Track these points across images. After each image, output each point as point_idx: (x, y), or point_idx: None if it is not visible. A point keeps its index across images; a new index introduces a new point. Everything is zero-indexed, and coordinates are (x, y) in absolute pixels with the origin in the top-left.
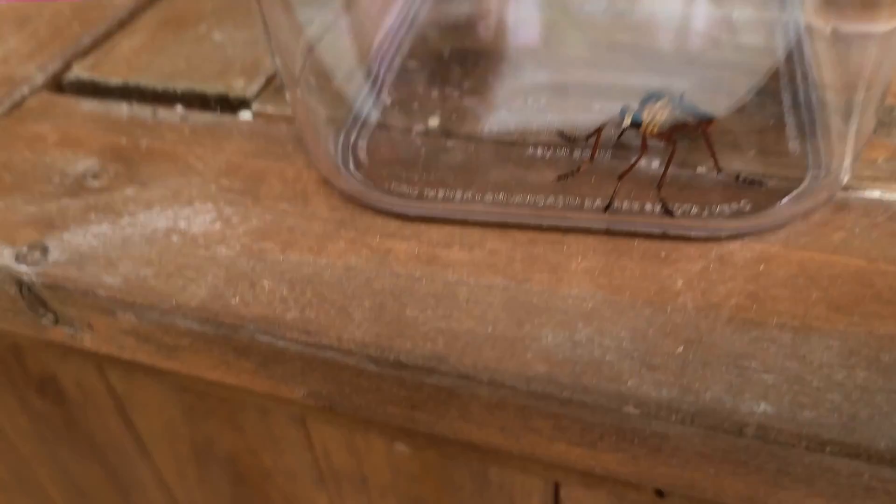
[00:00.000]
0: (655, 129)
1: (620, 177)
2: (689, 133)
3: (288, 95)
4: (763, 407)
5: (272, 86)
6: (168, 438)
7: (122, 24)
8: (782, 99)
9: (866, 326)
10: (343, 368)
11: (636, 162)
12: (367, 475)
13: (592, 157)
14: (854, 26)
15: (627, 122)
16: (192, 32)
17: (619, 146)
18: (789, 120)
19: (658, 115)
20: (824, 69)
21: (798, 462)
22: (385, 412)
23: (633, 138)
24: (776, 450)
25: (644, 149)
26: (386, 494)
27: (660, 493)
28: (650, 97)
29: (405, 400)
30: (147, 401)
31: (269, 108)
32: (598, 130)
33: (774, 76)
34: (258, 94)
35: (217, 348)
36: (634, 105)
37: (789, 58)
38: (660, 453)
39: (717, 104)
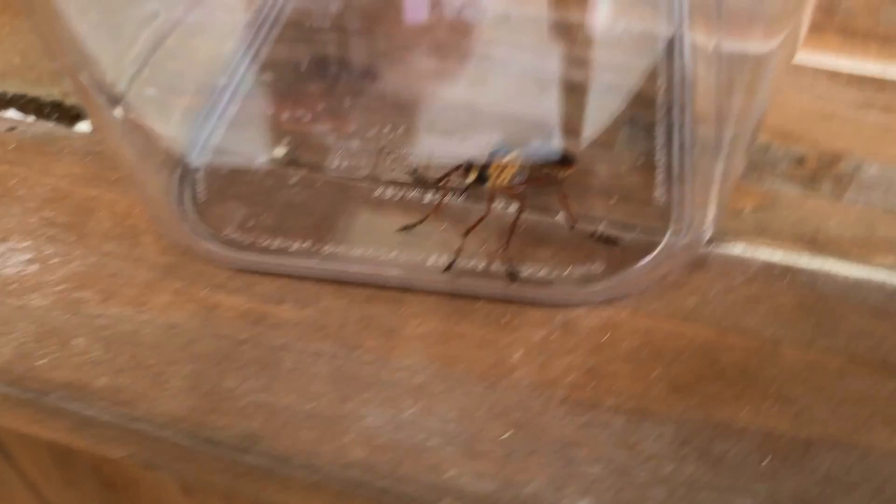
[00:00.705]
0: (505, 183)
1: (465, 234)
2: (543, 187)
3: (93, 121)
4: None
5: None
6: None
7: None
8: (656, 134)
9: (704, 411)
10: (158, 441)
11: (480, 220)
12: None
13: (437, 209)
14: (732, 43)
15: (472, 177)
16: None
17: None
18: (660, 160)
19: (507, 169)
20: (701, 98)
21: None
22: (209, 479)
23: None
24: None
25: (490, 206)
26: None
27: None
28: (499, 150)
29: (227, 471)
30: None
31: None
32: (447, 179)
33: (651, 107)
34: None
35: (27, 409)
36: (482, 158)
37: (671, 86)
38: None
39: (585, 140)
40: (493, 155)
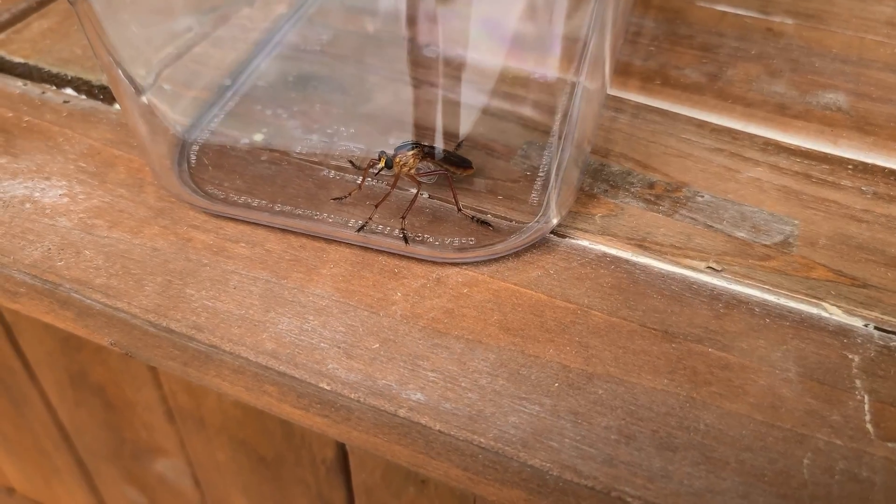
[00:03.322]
0: (408, 171)
1: (376, 206)
2: (440, 177)
3: (120, 104)
4: (417, 396)
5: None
6: (50, 366)
7: (41, 4)
8: (545, 154)
9: (522, 346)
10: (133, 327)
11: (386, 196)
12: (204, 417)
13: (360, 187)
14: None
15: (381, 164)
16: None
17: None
18: (542, 172)
19: (410, 160)
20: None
21: (436, 440)
22: (168, 366)
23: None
24: (421, 429)
25: (393, 186)
26: (220, 434)
27: None
28: (403, 145)
29: (179, 357)
30: (31, 330)
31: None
32: (367, 166)
33: (547, 134)
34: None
35: (45, 298)
36: (391, 151)
37: (564, 120)
38: (349, 421)
39: (490, 153)
40: (398, 149)
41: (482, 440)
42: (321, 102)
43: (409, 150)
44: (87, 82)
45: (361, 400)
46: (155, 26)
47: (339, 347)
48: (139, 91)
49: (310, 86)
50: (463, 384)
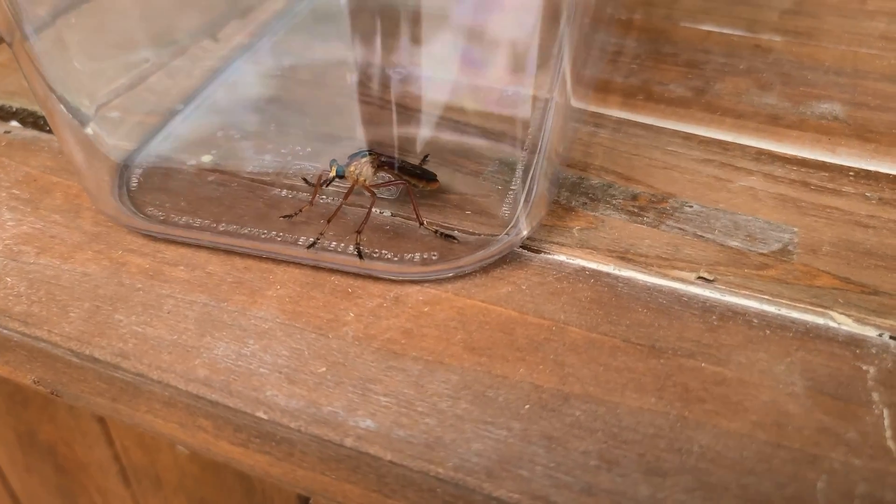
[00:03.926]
0: (363, 181)
1: (328, 220)
2: (403, 190)
3: (61, 132)
4: (367, 423)
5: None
6: None
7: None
8: (517, 169)
9: (489, 367)
10: (56, 359)
11: (338, 210)
12: (160, 474)
13: (311, 201)
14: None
15: (332, 173)
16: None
17: (356, 193)
18: (514, 186)
19: (364, 168)
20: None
21: (389, 473)
22: (96, 403)
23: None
24: (370, 460)
25: (346, 198)
26: (178, 494)
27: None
28: (357, 153)
29: (106, 392)
30: None
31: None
32: (319, 178)
33: (520, 149)
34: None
35: None
36: (345, 158)
37: (535, 129)
38: (292, 457)
39: (458, 169)
40: (352, 157)
41: (440, 470)
42: (277, 124)
43: (363, 158)
44: (32, 113)
45: (303, 429)
46: (106, 59)
47: (281, 373)
48: (81, 121)
49: (266, 109)
50: (419, 409)
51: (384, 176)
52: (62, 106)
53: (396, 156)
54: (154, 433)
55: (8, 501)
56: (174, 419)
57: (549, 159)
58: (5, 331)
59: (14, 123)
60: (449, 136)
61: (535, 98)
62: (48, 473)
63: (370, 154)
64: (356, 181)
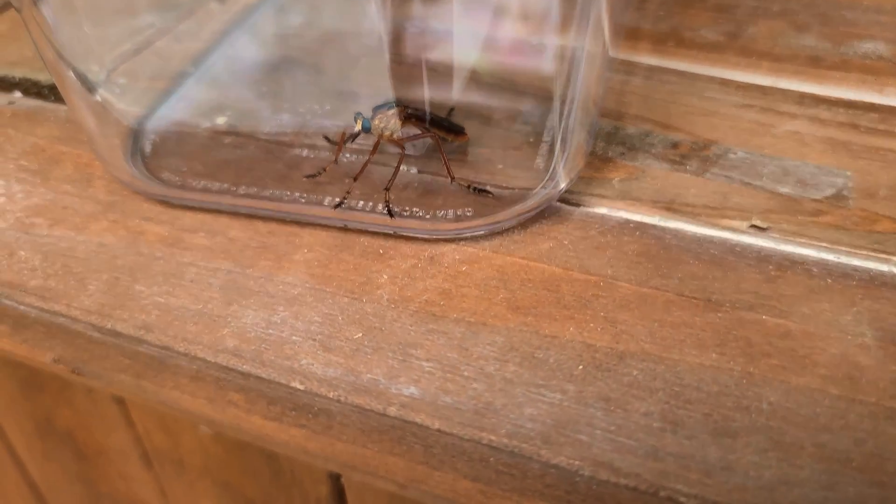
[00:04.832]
0: (390, 135)
1: (354, 178)
2: (431, 144)
3: (72, 99)
4: (411, 390)
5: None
6: (13, 413)
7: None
8: (547, 121)
9: (535, 326)
10: (76, 335)
11: (365, 165)
12: (183, 458)
13: (335, 159)
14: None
15: (358, 127)
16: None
17: (381, 151)
18: (546, 138)
19: (391, 122)
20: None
21: (437, 443)
22: (119, 381)
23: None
24: (416, 430)
25: (373, 152)
26: (202, 477)
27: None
28: (382, 105)
29: (129, 368)
30: None
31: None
32: (343, 135)
33: (550, 99)
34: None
35: None
36: (368, 112)
37: (568, 80)
38: (331, 430)
39: (486, 122)
40: (377, 109)
41: (493, 438)
42: (293, 83)
43: (389, 111)
44: (35, 83)
45: (342, 399)
46: (112, 25)
47: (315, 340)
48: (91, 88)
49: (280, 68)
50: (466, 373)
51: (411, 129)
52: (72, 72)
53: (424, 108)
54: (181, 411)
55: (27, 491)
56: (202, 394)
57: (585, 109)
58: (22, 307)
59: (17, 94)
60: (475, 89)
61: (567, 47)
62: (68, 460)
63: (396, 106)
64: (382, 135)
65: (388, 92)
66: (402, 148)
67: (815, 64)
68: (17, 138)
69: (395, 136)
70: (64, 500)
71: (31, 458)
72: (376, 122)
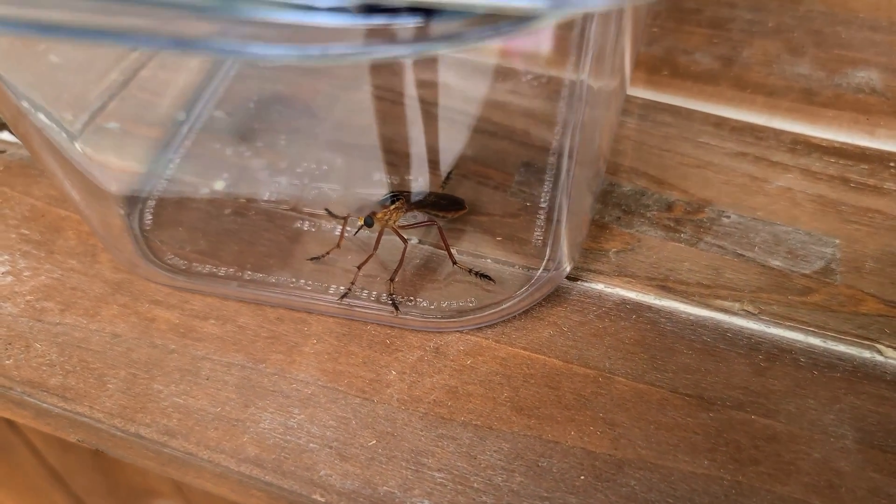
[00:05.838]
0: (393, 224)
1: (358, 268)
2: (429, 227)
3: (48, 163)
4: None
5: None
6: None
7: None
8: (545, 178)
9: (538, 430)
10: (99, 431)
11: (368, 258)
12: None
13: (339, 244)
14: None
15: (360, 223)
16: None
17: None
18: (544, 203)
19: (393, 215)
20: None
21: None
22: (144, 465)
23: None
24: None
25: (376, 246)
26: None
27: None
28: (385, 199)
29: (154, 459)
30: None
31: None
32: (345, 220)
33: (546, 152)
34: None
35: None
36: (371, 207)
37: (564, 132)
38: None
39: (483, 183)
40: (381, 202)
41: None
42: (287, 132)
43: (391, 205)
44: None
45: None
46: (87, 58)
47: (331, 447)
48: (72, 136)
49: (274, 110)
50: (475, 485)
51: (413, 214)
52: (47, 118)
53: (421, 191)
54: (204, 493)
55: (47, 474)
56: (225, 487)
57: (593, 167)
58: (44, 404)
59: (6, 136)
60: (470, 140)
61: (572, 85)
62: (84, 455)
63: (398, 199)
64: (386, 225)
65: (384, 144)
66: (405, 241)
67: (808, 99)
68: (14, 199)
69: (397, 225)
70: (84, 484)
71: (48, 450)
72: (379, 216)
